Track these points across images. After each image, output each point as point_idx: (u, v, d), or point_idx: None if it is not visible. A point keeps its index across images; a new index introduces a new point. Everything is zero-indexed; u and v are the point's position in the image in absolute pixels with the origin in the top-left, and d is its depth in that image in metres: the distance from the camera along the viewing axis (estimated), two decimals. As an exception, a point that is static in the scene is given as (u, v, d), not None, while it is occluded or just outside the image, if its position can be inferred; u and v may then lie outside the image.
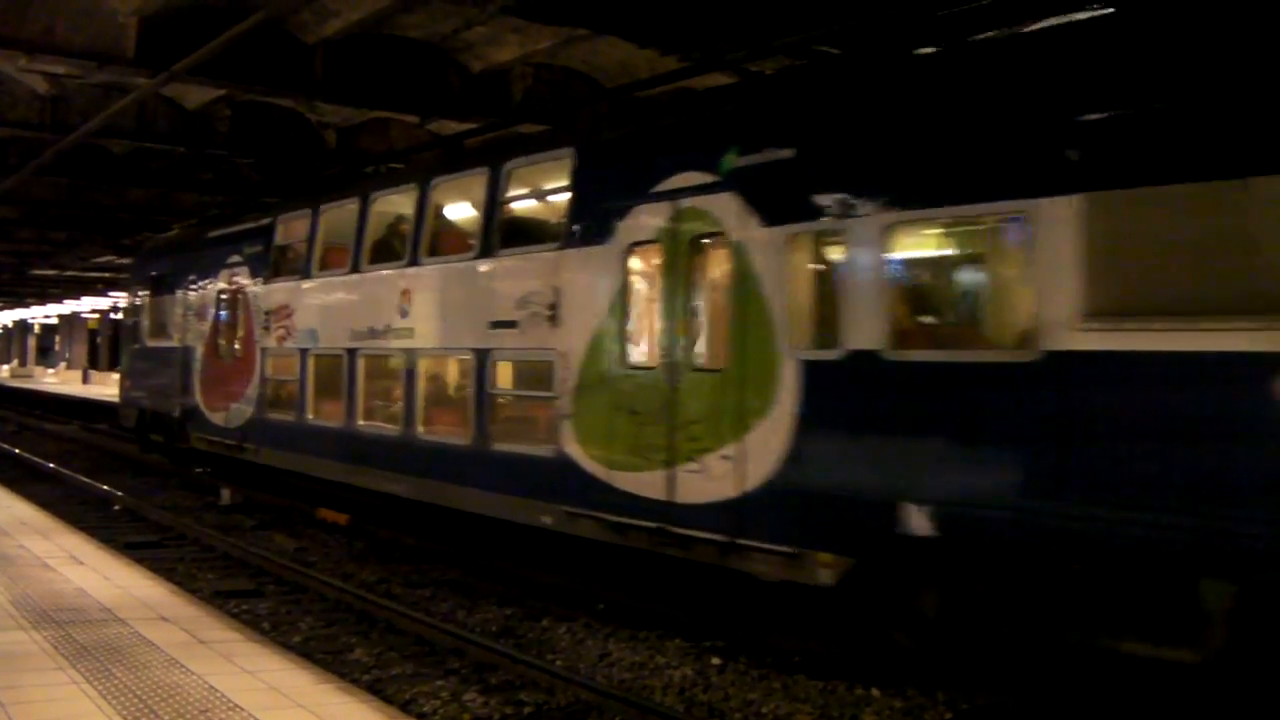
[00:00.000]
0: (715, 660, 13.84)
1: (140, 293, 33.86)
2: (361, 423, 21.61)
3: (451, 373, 20.70)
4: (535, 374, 17.29)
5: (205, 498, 27.81)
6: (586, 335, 15.93)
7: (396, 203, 21.67)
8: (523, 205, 19.10)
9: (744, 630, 14.60)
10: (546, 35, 21.73)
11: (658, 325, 14.92)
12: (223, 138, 28.79)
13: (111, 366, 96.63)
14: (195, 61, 16.97)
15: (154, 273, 32.69)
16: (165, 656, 11.13)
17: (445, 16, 21.54)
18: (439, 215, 20.70)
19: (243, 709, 9.57)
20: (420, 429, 19.78)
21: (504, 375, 18.63)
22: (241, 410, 26.09)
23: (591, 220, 16.08)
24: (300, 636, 14.96)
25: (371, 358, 21.60)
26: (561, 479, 16.21)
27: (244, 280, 26.50)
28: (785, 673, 13.25)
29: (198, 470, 30.51)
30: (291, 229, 25.32)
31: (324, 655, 13.84)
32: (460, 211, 20.81)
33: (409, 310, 20.00)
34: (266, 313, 25.22)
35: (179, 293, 30.28)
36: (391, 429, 20.63)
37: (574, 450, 16.05)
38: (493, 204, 18.31)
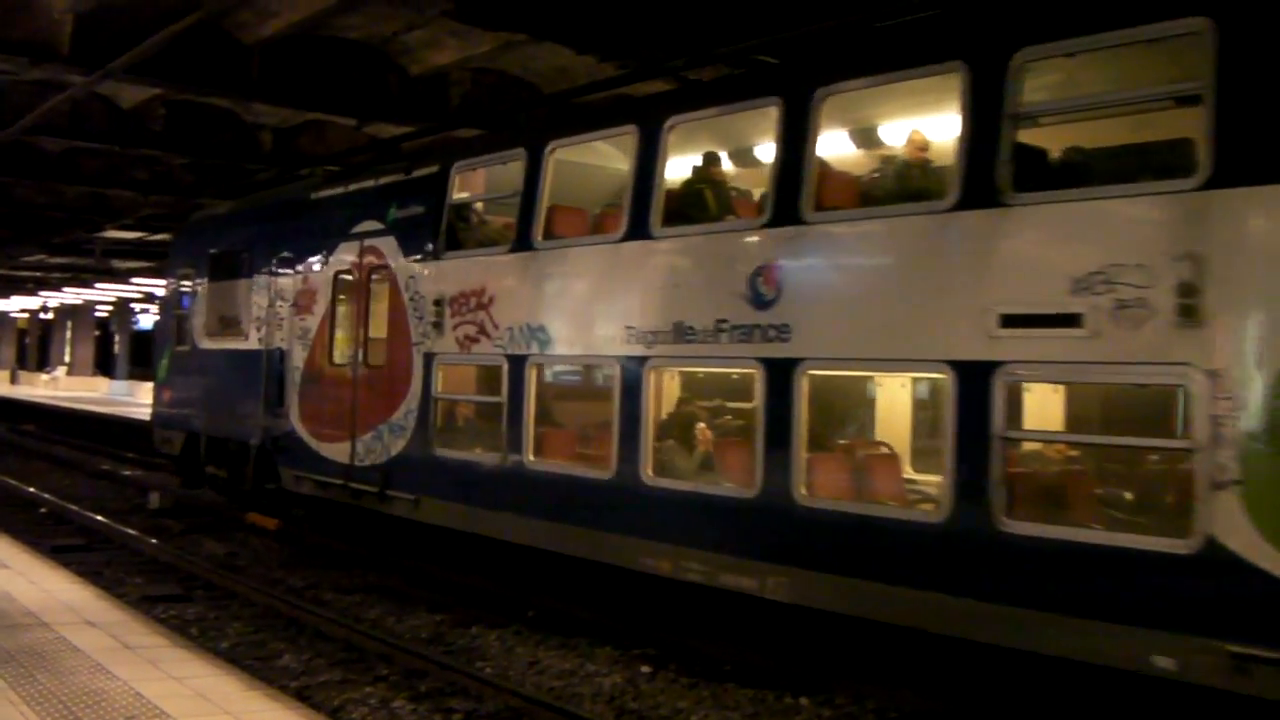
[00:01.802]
0: (645, 668, 13.82)
1: (189, 277, 26.04)
2: (649, 474, 14.56)
3: (882, 397, 15.42)
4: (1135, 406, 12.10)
5: (134, 500, 27.43)
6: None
7: (730, 128, 15.76)
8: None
9: (675, 638, 14.62)
10: (485, 40, 21.71)
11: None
12: (157, 137, 28.54)
13: (40, 366, 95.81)
14: (131, 60, 16.89)
15: (214, 250, 24.90)
16: (91, 662, 11.01)
17: (384, 19, 21.52)
18: (830, 144, 14.05)
19: (169, 715, 9.49)
20: (802, 491, 12.90)
21: (1036, 407, 13.15)
22: (384, 442, 18.94)
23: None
24: (228, 642, 14.71)
25: (683, 371, 15.87)
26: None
27: (389, 256, 19.21)
28: (715, 681, 13.26)
29: (296, 511, 22.94)
30: (482, 180, 18.78)
31: (252, 661, 13.66)
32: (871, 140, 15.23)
33: (775, 295, 13.22)
34: (437, 302, 17.93)
35: (261, 276, 22.76)
36: (737, 489, 13.84)
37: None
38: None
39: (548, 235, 16.47)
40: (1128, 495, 12.07)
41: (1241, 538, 9.69)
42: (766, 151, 15.05)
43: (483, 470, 17.14)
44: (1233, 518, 9.75)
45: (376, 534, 20.40)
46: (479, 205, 18.66)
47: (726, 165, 16.02)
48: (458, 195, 18.26)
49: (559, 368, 17.54)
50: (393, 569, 19.31)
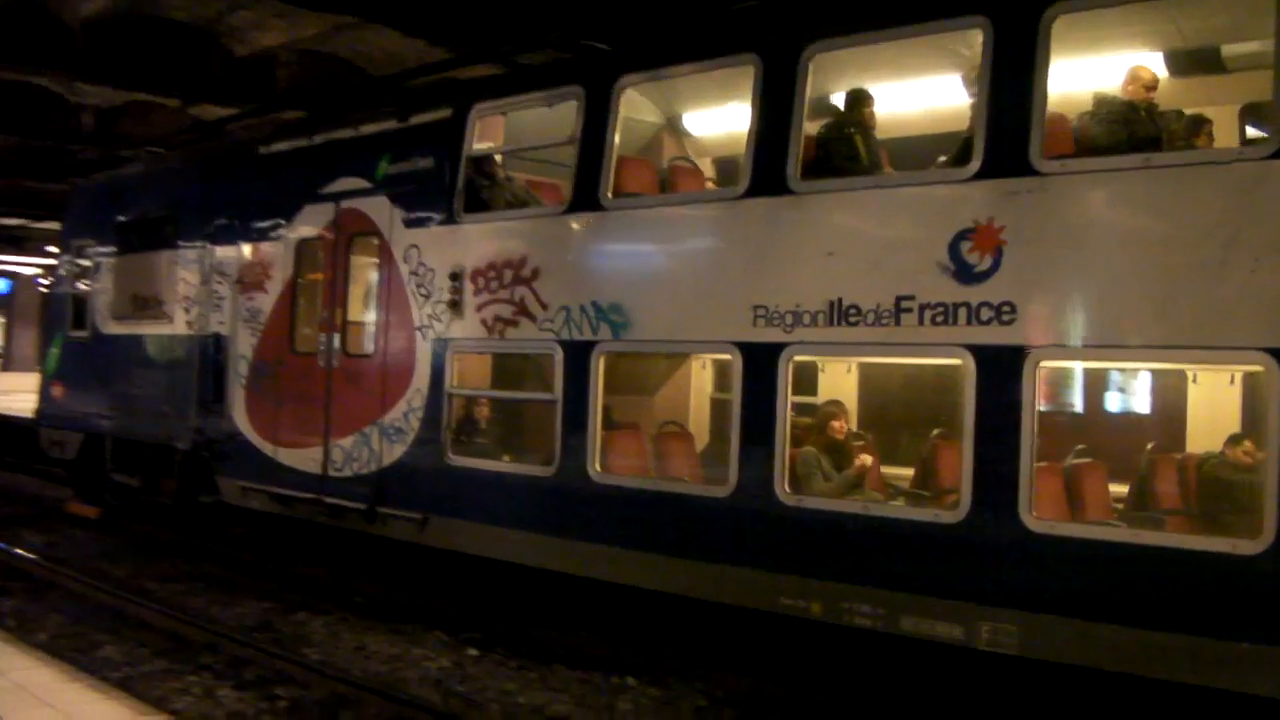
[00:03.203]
0: (473, 651, 13.76)
1: (88, 250, 22.01)
2: (794, 497, 11.88)
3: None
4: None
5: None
6: None
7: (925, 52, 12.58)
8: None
9: (503, 622, 14.67)
10: (313, 22, 21.49)
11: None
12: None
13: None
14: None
15: (124, 217, 21.13)
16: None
17: (210, -1, 21.09)
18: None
19: (-11, 709, 9.19)
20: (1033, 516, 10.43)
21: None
22: (373, 448, 15.81)
23: None
24: (47, 634, 14.10)
25: (866, 365, 14.11)
26: None
27: (379, 221, 15.95)
28: (543, 663, 13.26)
29: (236, 531, 19.78)
30: (516, 125, 15.71)
31: (73, 653, 13.16)
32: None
33: (983, 264, 10.63)
34: (455, 276, 14.81)
35: (190, 248, 19.27)
36: (938, 513, 11.27)
37: None
38: None
39: (618, 193, 13.56)
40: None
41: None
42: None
43: (527, 486, 14.12)
44: None
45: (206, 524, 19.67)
46: (498, 160, 15.52)
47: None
48: (480, 144, 15.10)
49: (644, 353, 14.63)
50: (216, 557, 18.71)
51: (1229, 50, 12.28)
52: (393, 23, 20.07)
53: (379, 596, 16.08)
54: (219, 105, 24.93)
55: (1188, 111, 11.44)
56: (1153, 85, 11.15)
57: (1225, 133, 11.83)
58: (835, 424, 12.74)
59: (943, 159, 11.83)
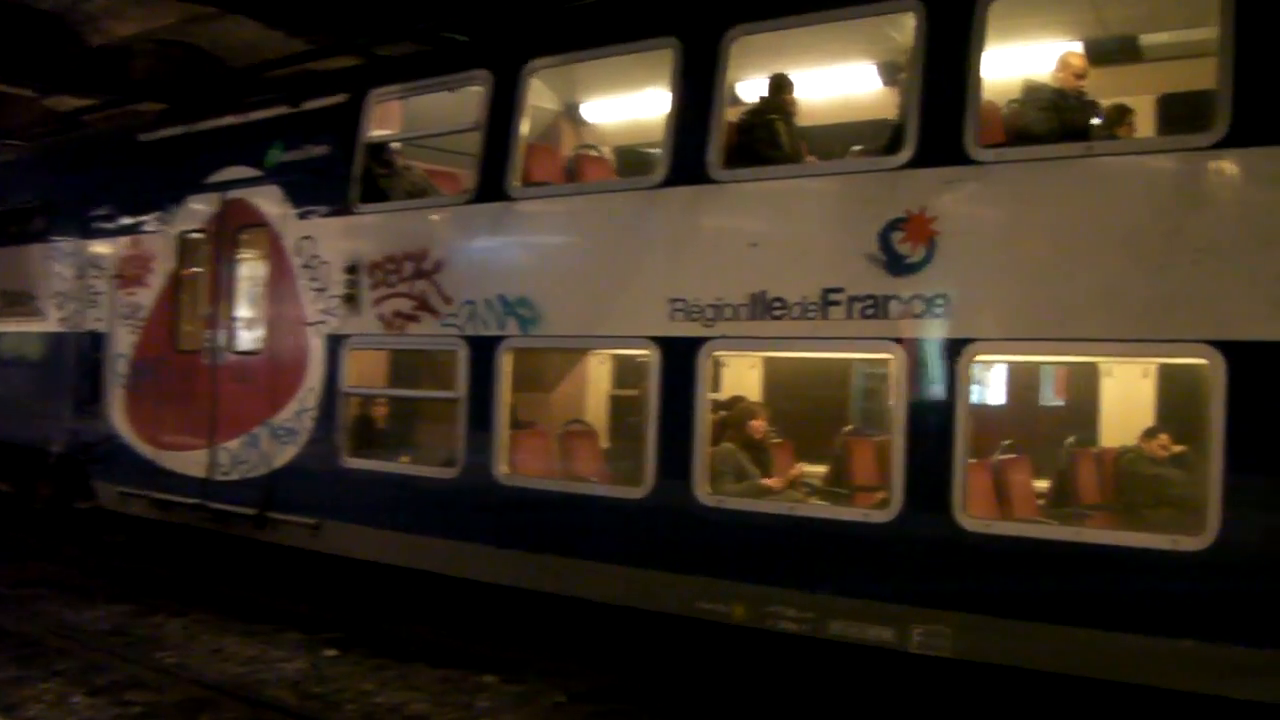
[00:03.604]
0: (331, 651, 13.59)
1: None
2: (714, 497, 11.45)
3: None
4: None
5: None
6: None
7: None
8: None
9: (362, 621, 14.52)
10: (171, 11, 20.93)
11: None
12: None
13: None
14: None
15: None
16: None
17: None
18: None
19: None
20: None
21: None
22: (262, 451, 15.10)
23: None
24: None
25: (774, 360, 13.77)
26: None
27: (268, 211, 15.23)
28: (403, 661, 13.15)
29: (116, 539, 18.60)
30: (415, 111, 14.89)
31: None
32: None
33: (915, 254, 10.26)
34: (350, 269, 14.13)
35: (63, 241, 18.41)
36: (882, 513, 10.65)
37: None
38: None
39: (528, 180, 13.10)
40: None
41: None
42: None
43: (429, 488, 13.59)
44: None
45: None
46: (392, 147, 14.83)
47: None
48: (377, 131, 14.47)
49: (554, 349, 14.17)
50: (79, 563, 17.95)
51: (1147, 40, 12.16)
52: (252, 13, 19.67)
53: (235, 597, 15.73)
54: (75, 96, 24.16)
55: (1107, 101, 11.21)
56: (1082, 73, 10.91)
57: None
58: (754, 423, 12.41)
59: (859, 148, 11.65)
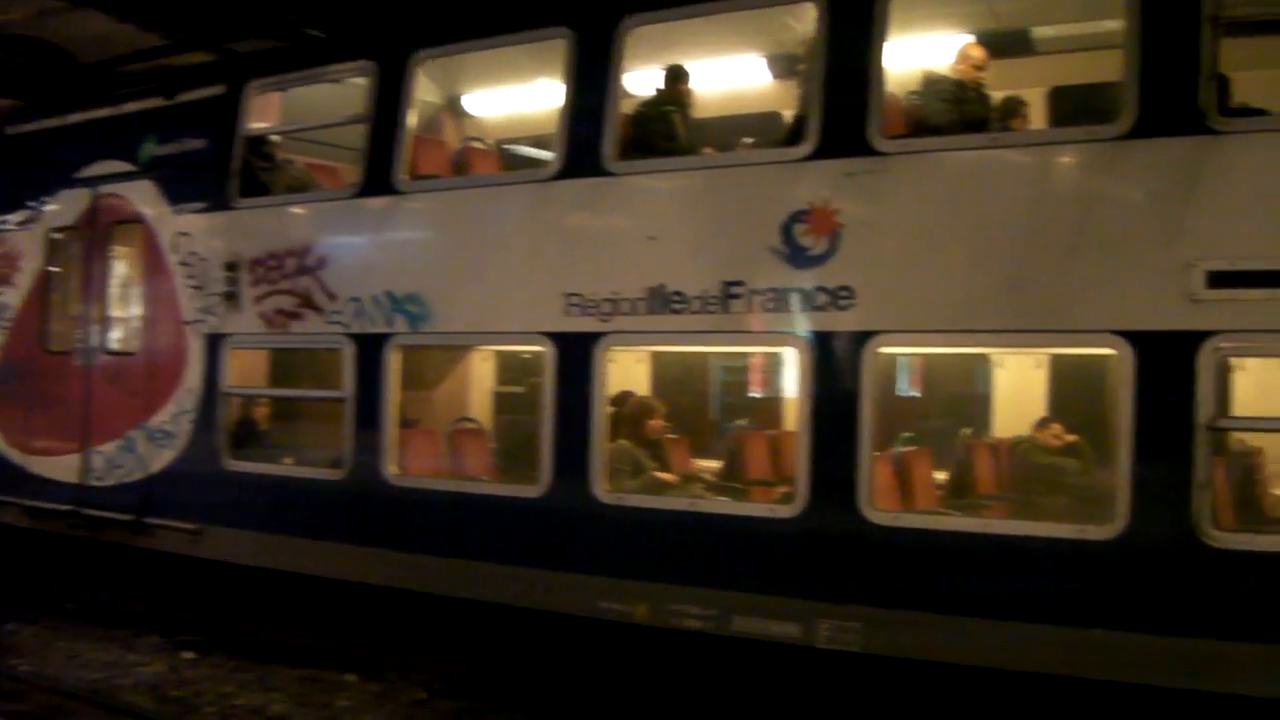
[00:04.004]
0: (189, 655, 13.37)
1: None
2: (614, 495, 11.34)
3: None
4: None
5: None
6: None
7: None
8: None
9: (220, 623, 14.19)
10: (16, 5, 18.89)
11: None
12: None
13: None
14: None
15: None
16: None
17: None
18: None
19: None
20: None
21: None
22: (139, 455, 14.59)
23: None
24: None
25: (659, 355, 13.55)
26: None
27: (143, 207, 14.77)
28: (262, 663, 13.03)
29: None
30: (297, 103, 14.62)
31: None
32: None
33: (818, 247, 10.23)
34: (230, 266, 13.72)
35: None
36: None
37: None
38: None
39: (415, 174, 12.85)
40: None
41: None
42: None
43: (316, 491, 13.29)
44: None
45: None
46: (275, 140, 14.44)
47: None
48: (257, 123, 14.12)
49: (444, 346, 13.94)
50: None
51: (1039, 33, 12.22)
52: (104, 8, 18.58)
53: (91, 603, 15.31)
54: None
55: (999, 93, 11.23)
56: (982, 65, 10.93)
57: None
58: (653, 422, 12.29)
59: (751, 140, 11.57)
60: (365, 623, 13.20)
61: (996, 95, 11.06)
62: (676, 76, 12.00)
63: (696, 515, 11.06)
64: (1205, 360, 8.89)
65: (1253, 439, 11.12)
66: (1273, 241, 8.87)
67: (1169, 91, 9.17)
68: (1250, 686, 8.86)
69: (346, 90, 13.30)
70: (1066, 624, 9.33)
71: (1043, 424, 11.83)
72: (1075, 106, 11.69)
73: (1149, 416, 9.08)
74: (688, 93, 12.00)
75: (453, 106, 15.17)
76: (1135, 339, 9.08)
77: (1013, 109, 11.16)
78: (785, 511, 10.42)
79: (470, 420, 14.20)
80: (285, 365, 14.59)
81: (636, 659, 11.37)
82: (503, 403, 14.81)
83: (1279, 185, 8.97)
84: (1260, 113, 9.74)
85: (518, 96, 14.68)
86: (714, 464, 12.94)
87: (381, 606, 12.86)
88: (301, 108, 14.45)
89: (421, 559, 12.36)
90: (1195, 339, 8.92)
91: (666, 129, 11.62)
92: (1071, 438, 11.54)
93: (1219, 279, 8.94)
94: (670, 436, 12.61)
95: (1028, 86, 12.02)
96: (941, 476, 11.94)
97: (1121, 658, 9.14)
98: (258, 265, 13.43)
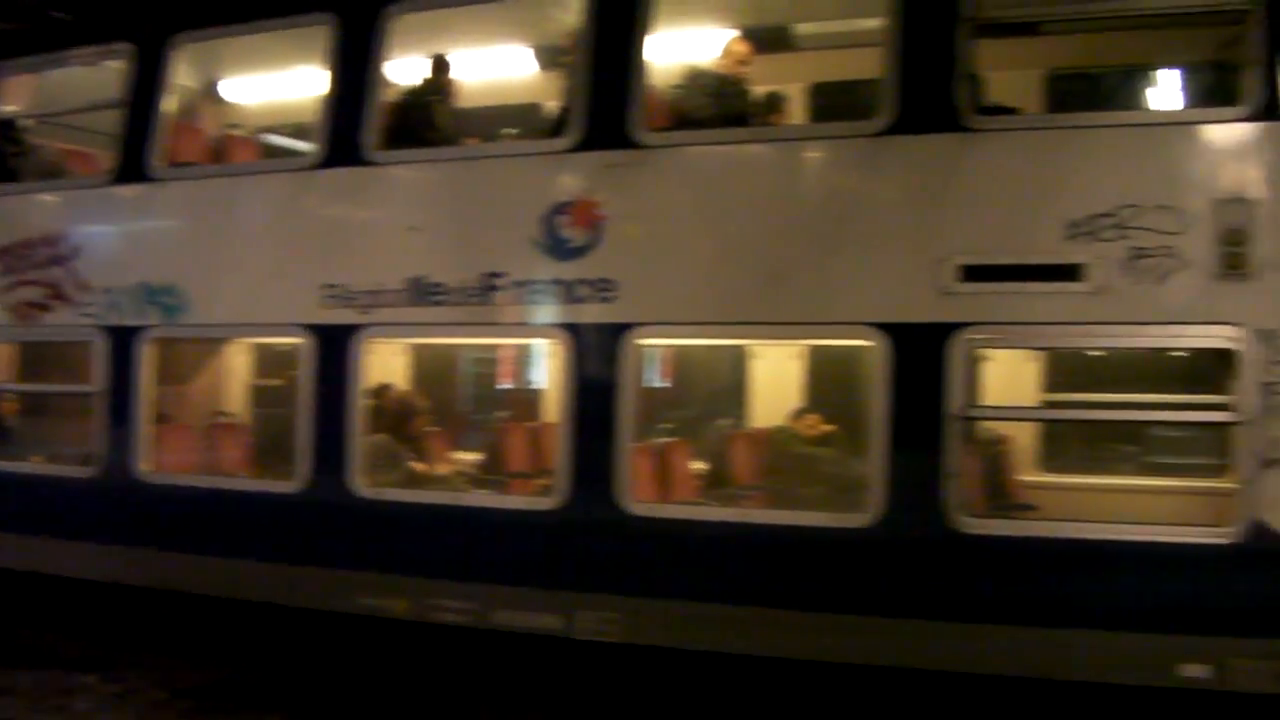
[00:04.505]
0: None
1: None
2: (373, 489, 11.15)
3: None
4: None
5: None
6: None
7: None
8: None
9: None
10: None
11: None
12: None
13: None
14: None
15: None
16: None
17: None
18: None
19: None
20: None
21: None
22: None
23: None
24: None
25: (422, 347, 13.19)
26: None
27: None
28: None
29: None
30: (48, 86, 14.12)
31: None
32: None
33: (580, 239, 10.26)
34: None
35: None
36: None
37: None
38: None
39: (177, 161, 12.50)
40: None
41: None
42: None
43: (66, 489, 12.78)
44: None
45: None
46: (23, 123, 13.84)
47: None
48: (5, 106, 13.74)
49: (198, 339, 13.40)
50: None
51: (803, 30, 12.41)
52: None
53: None
54: None
55: (762, 88, 11.35)
56: (745, 60, 11.03)
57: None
58: (411, 415, 12.12)
59: (514, 131, 11.50)
60: (120, 624, 12.75)
61: (759, 90, 11.15)
62: (439, 66, 11.86)
63: (457, 509, 11.00)
64: (956, 352, 9.13)
65: (1002, 428, 11.50)
66: (1021, 236, 9.16)
67: (926, 90, 9.40)
68: (998, 667, 9.15)
69: (105, 74, 12.80)
70: (825, 610, 9.49)
71: (799, 414, 12.01)
72: (836, 103, 11.92)
73: (902, 407, 9.30)
74: (450, 82, 11.88)
75: (212, 92, 14.68)
76: (890, 331, 9.28)
77: (775, 104, 11.29)
78: (545, 504, 10.42)
79: (227, 415, 13.81)
80: (38, 359, 13.94)
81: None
82: (261, 396, 14.43)
83: (1028, 182, 9.27)
84: (1011, 111, 10.08)
85: (279, 83, 14.31)
86: (474, 457, 12.83)
87: (140, 607, 12.46)
88: (61, 90, 13.87)
89: (177, 557, 11.96)
90: (947, 331, 9.18)
91: (428, 119, 11.49)
92: (828, 428, 11.74)
93: (970, 273, 9.23)
94: (429, 430, 12.45)
95: (791, 82, 12.18)
96: (701, 467, 12.01)
97: (876, 643, 9.34)
98: (5, 255, 12.88)
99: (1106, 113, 9.98)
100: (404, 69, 11.82)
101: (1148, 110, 11.36)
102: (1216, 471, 10.31)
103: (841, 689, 9.79)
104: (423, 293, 10.77)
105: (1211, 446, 10.56)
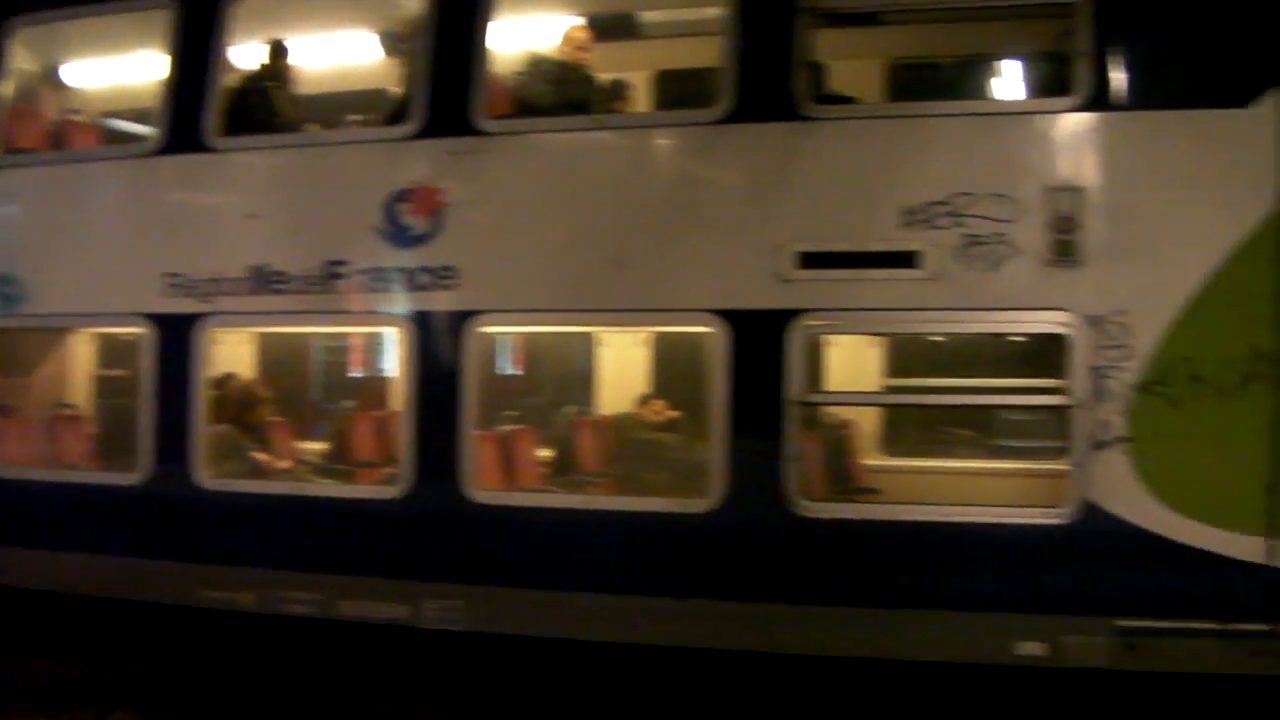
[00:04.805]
0: None
1: None
2: (216, 480, 11.04)
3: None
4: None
5: None
6: None
7: None
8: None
9: None
10: None
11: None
12: None
13: None
14: None
15: None
16: None
17: None
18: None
19: None
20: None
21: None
22: None
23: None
24: None
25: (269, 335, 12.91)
26: None
27: None
28: None
29: None
30: None
31: None
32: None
33: (422, 226, 10.24)
34: None
35: None
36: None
37: None
38: None
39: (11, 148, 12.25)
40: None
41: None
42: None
43: None
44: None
45: None
46: None
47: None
48: None
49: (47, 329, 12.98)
50: None
51: (648, 18, 12.39)
52: None
53: None
54: None
55: (607, 76, 11.35)
56: (586, 47, 11.03)
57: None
58: (260, 410, 12.00)
59: (358, 117, 11.53)
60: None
61: (603, 78, 11.16)
62: (277, 51, 11.69)
63: (302, 499, 10.89)
64: (795, 338, 9.24)
65: (844, 413, 11.64)
66: (857, 224, 9.28)
67: (765, 78, 9.49)
68: (840, 649, 9.33)
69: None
70: (672, 595, 9.58)
71: (645, 400, 12.06)
72: (679, 91, 11.97)
73: (742, 392, 9.38)
74: (288, 68, 11.71)
75: (52, 77, 14.35)
76: (730, 317, 9.36)
77: (618, 92, 11.27)
78: (390, 493, 10.37)
79: (69, 406, 13.41)
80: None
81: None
82: (104, 387, 14.15)
83: (864, 170, 9.41)
84: (849, 101, 10.19)
85: (121, 68, 14.01)
86: (320, 446, 12.71)
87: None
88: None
89: (19, 552, 11.71)
90: (785, 317, 9.28)
91: (268, 105, 11.32)
92: (674, 414, 11.79)
93: (808, 259, 9.33)
94: (274, 419, 12.30)
95: (637, 70, 12.21)
96: (548, 455, 12.00)
97: (720, 627, 9.44)
98: None
99: (941, 102, 10.05)
100: (246, 54, 11.66)
101: (982, 100, 11.53)
102: (1053, 454, 10.43)
103: (696, 673, 9.87)
104: (265, 281, 10.64)
105: (1048, 429, 10.69)
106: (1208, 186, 8.90)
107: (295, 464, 11.94)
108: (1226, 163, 8.88)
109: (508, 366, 14.21)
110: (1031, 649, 9.05)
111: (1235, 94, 8.86)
